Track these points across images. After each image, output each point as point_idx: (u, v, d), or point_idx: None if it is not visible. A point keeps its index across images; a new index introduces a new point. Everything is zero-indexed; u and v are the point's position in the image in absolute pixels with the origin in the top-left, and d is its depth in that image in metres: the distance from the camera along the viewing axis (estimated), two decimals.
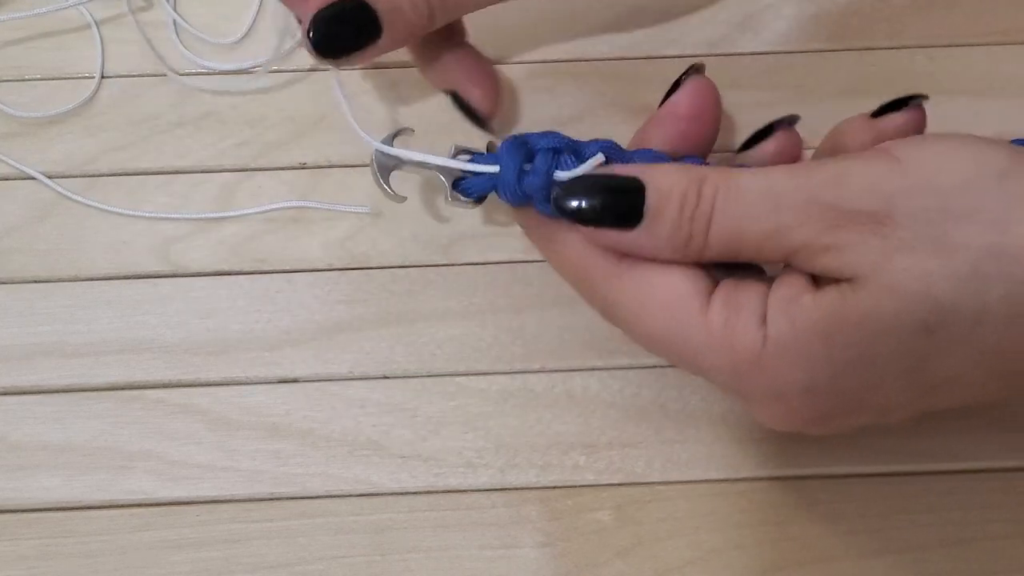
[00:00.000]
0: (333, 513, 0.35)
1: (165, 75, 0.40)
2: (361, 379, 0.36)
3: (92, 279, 0.38)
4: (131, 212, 0.39)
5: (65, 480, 0.35)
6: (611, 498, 0.35)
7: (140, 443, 0.36)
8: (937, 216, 0.25)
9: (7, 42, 0.41)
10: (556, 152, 0.29)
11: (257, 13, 0.42)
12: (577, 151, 0.29)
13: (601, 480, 0.35)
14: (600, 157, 0.29)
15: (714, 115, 0.31)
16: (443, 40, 0.36)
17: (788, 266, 0.28)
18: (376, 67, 0.40)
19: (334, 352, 0.37)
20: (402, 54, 0.35)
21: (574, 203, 0.28)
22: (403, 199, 0.32)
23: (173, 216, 0.38)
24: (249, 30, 0.41)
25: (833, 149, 0.31)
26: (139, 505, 0.35)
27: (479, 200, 0.31)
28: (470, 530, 0.35)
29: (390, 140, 0.31)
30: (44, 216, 0.39)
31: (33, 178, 0.39)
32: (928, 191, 0.26)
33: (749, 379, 0.27)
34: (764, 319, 0.27)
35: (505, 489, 0.35)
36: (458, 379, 0.36)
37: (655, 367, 0.36)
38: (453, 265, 0.38)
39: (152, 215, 0.38)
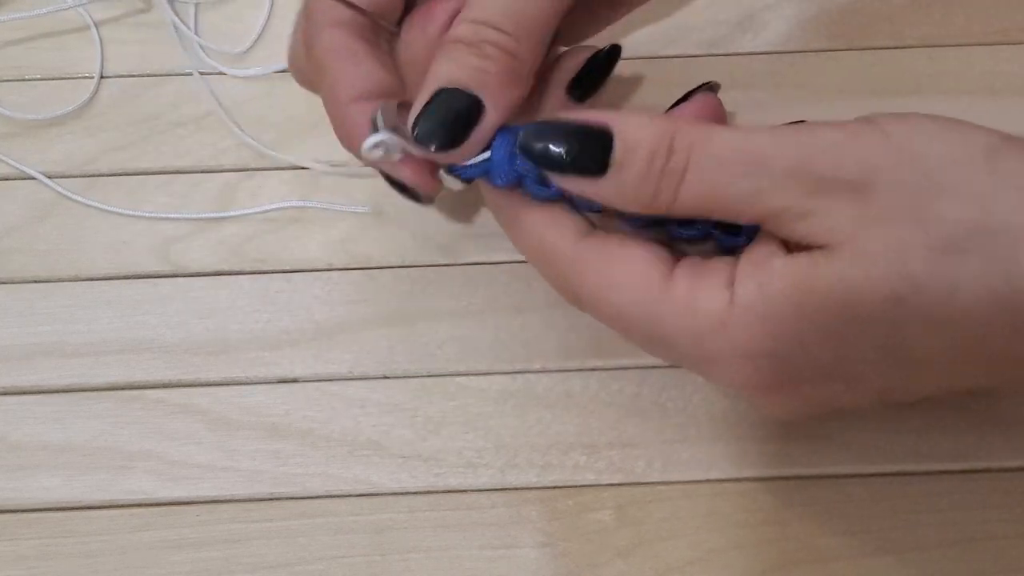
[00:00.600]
0: (333, 513, 0.35)
1: (164, 75, 0.40)
2: (361, 379, 0.36)
3: (92, 279, 0.38)
4: (131, 212, 0.39)
5: (65, 480, 0.35)
6: (612, 498, 0.35)
7: (140, 443, 0.36)
8: (918, 189, 0.25)
9: (7, 42, 0.41)
10: None
11: (267, 19, 0.42)
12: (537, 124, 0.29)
13: (601, 480, 0.35)
14: None
15: None
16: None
17: (761, 231, 0.27)
18: None
19: (334, 352, 0.37)
20: None
21: (539, 146, 0.27)
22: (397, 159, 0.30)
23: (173, 216, 0.38)
24: (259, 37, 0.41)
25: None
26: (139, 505, 0.35)
27: (467, 181, 0.31)
28: (470, 530, 0.35)
29: (394, 107, 0.31)
30: (44, 216, 0.39)
31: (33, 178, 0.39)
32: (912, 164, 0.25)
33: (713, 341, 0.26)
34: (731, 284, 0.26)
35: (505, 489, 0.35)
36: (458, 379, 0.36)
37: (655, 367, 0.36)
38: (453, 265, 0.38)
39: (152, 215, 0.38)
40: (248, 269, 0.38)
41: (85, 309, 0.37)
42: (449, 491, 0.35)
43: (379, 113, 0.29)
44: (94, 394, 0.36)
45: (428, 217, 0.38)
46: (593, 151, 0.27)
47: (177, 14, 0.41)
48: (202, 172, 0.39)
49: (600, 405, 0.36)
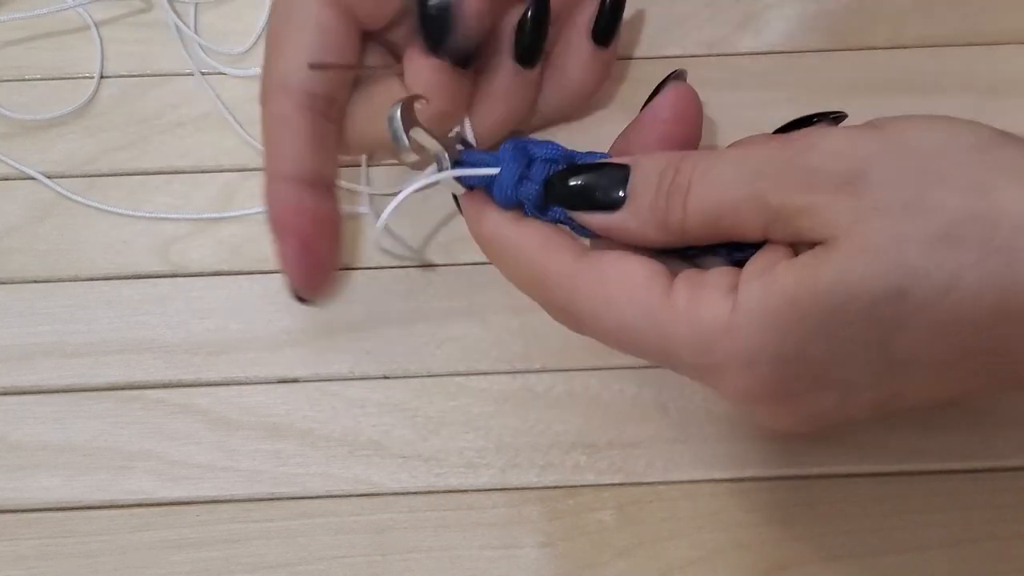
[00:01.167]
0: (333, 513, 0.35)
1: (164, 75, 0.40)
2: (361, 379, 0.36)
3: (92, 279, 0.38)
4: (131, 212, 0.39)
5: (65, 480, 0.35)
6: (612, 498, 0.35)
7: (140, 443, 0.36)
8: (914, 178, 0.25)
9: (7, 42, 0.41)
10: (553, 163, 0.30)
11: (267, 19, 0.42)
12: (573, 163, 0.30)
13: (602, 480, 0.35)
14: None
15: (695, 118, 0.31)
16: None
17: (768, 242, 0.27)
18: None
19: (334, 352, 0.37)
20: None
21: (571, 182, 0.29)
22: (415, 156, 0.31)
23: (173, 216, 0.38)
24: (259, 37, 0.41)
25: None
26: (139, 505, 0.35)
27: (469, 188, 0.31)
28: (471, 530, 0.35)
29: (410, 104, 0.31)
30: (44, 216, 0.39)
31: (33, 178, 0.39)
32: (906, 153, 0.25)
33: (716, 349, 0.26)
34: (733, 291, 0.26)
35: (506, 489, 0.35)
36: (458, 379, 0.36)
37: (655, 367, 0.36)
38: (453, 265, 0.38)
39: (152, 215, 0.38)
40: (248, 269, 0.38)
41: (85, 309, 0.37)
42: (450, 491, 0.35)
43: (397, 113, 0.30)
44: (94, 394, 0.36)
45: (428, 217, 0.38)
46: (613, 185, 0.29)
47: (177, 14, 0.41)
48: (202, 172, 0.39)
49: (600, 405, 0.36)
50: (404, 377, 0.36)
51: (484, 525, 0.35)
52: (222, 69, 0.41)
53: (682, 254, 0.29)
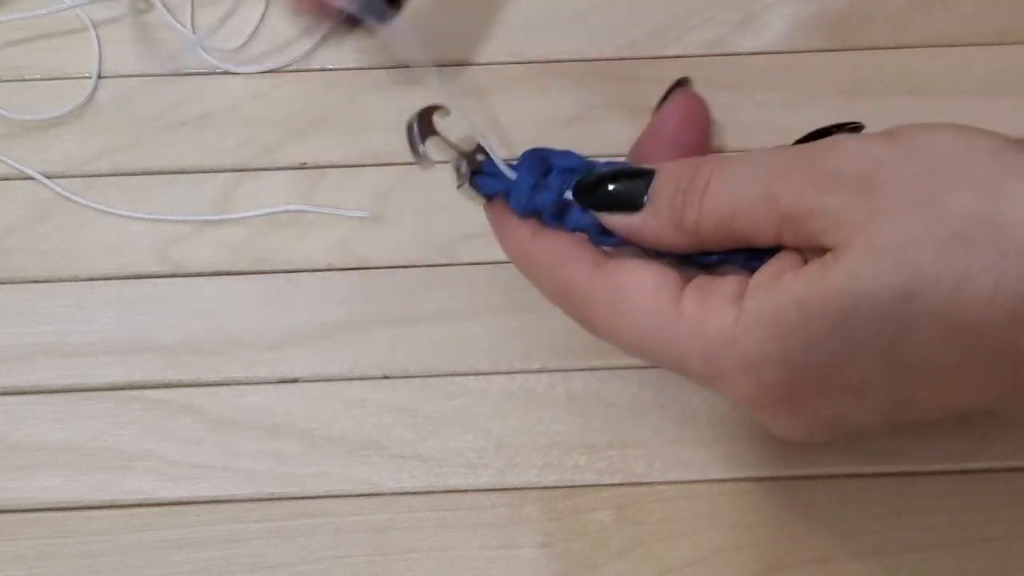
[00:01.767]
0: (333, 513, 0.35)
1: (164, 75, 0.40)
2: (361, 379, 0.36)
3: (92, 279, 0.38)
4: (131, 212, 0.39)
5: (65, 480, 0.35)
6: (611, 498, 0.35)
7: (140, 443, 0.36)
8: (925, 181, 0.25)
9: (7, 42, 0.41)
10: (571, 172, 0.30)
11: (263, 16, 0.42)
12: (591, 173, 0.30)
13: (601, 480, 0.35)
14: None
15: (704, 125, 0.32)
16: None
17: (781, 249, 0.27)
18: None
19: (334, 352, 0.37)
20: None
21: (592, 188, 0.29)
22: (432, 163, 0.31)
23: (173, 217, 0.38)
24: (258, 37, 0.41)
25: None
26: (139, 505, 0.35)
27: (487, 198, 0.31)
28: (470, 530, 0.35)
29: (427, 114, 0.31)
30: (44, 216, 0.39)
31: (33, 178, 0.39)
32: (918, 158, 0.25)
33: (722, 356, 0.26)
34: (740, 299, 0.26)
35: (505, 489, 0.35)
36: (458, 379, 0.36)
37: (655, 367, 0.36)
38: (453, 265, 0.38)
39: (152, 215, 0.38)
40: (248, 269, 0.38)
41: (85, 309, 0.37)
42: (449, 491, 0.35)
43: (415, 123, 0.30)
44: (94, 394, 0.36)
45: (428, 217, 0.38)
46: (637, 187, 0.29)
47: (176, 15, 0.41)
48: (202, 172, 0.39)
49: (600, 405, 0.36)
50: (404, 377, 0.36)
51: (483, 525, 0.35)
52: (222, 68, 0.41)
53: (700, 264, 0.29)
